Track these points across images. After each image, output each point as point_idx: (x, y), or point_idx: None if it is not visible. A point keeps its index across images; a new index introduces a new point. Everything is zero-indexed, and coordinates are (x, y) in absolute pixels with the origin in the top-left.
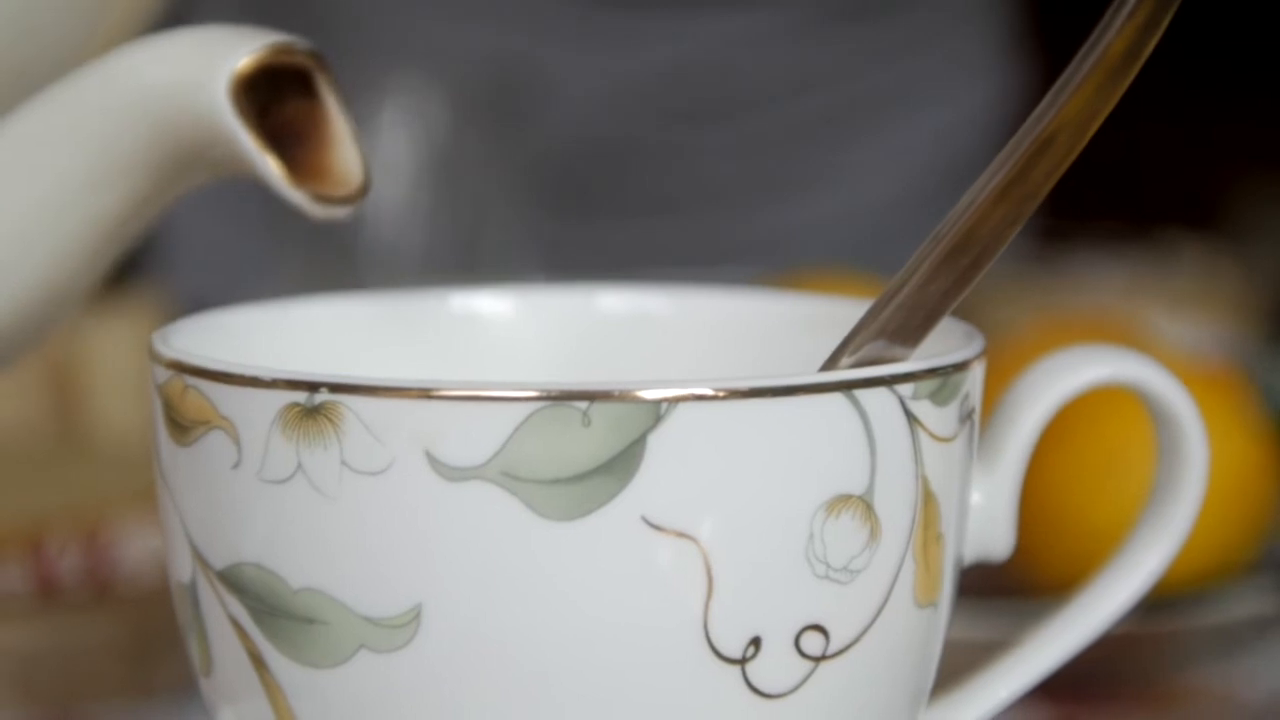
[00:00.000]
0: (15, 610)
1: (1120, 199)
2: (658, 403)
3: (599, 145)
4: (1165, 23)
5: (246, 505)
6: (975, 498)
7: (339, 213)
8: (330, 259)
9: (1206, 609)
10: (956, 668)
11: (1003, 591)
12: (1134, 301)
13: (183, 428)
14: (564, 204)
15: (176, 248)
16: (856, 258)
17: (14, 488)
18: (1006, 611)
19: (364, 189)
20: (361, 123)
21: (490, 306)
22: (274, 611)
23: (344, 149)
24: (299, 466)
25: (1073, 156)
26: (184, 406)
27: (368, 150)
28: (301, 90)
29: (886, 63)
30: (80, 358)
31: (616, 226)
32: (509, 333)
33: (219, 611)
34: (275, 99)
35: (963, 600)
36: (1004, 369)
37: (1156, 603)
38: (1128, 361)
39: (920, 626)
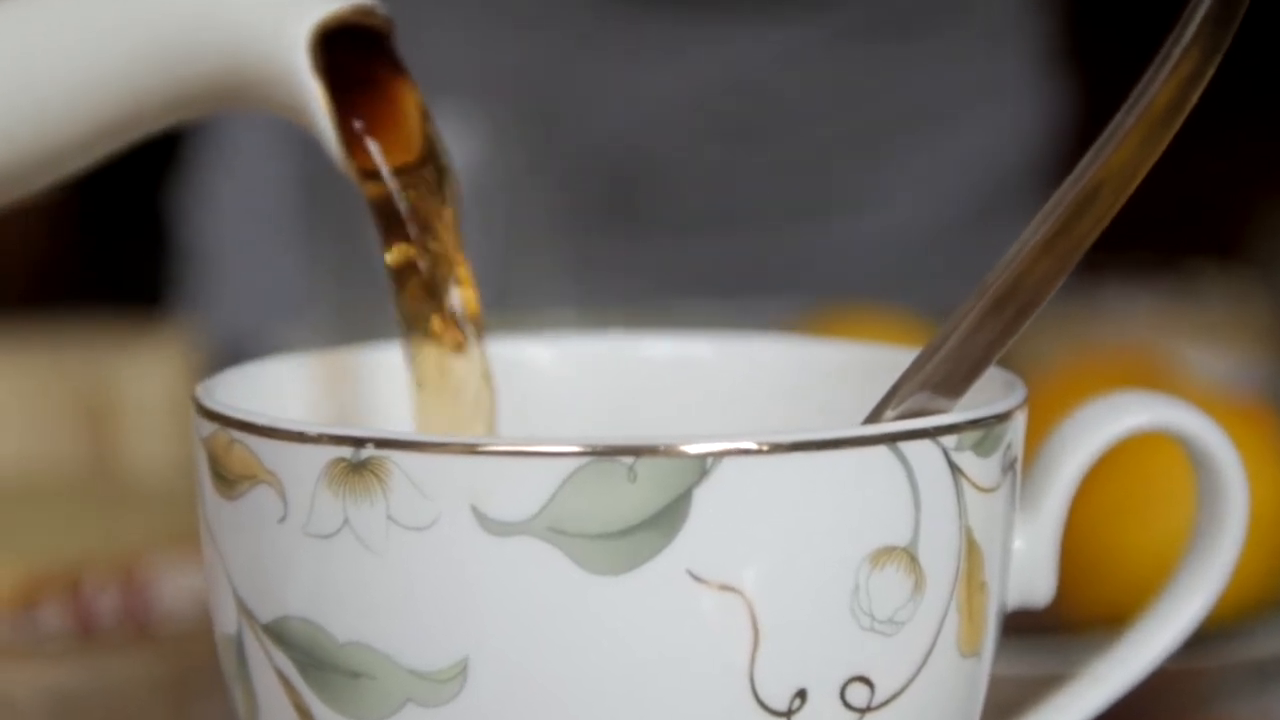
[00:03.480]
0: (54, 650)
1: (1147, 230)
2: (703, 457)
3: (634, 165)
4: (1210, 74)
5: (292, 559)
6: (1017, 544)
7: (387, 185)
8: (363, 289)
9: (1241, 644)
10: (992, 705)
11: (1038, 629)
12: (1162, 332)
13: (228, 481)
14: (600, 224)
15: (209, 282)
16: (895, 276)
17: (51, 527)
18: (1042, 649)
19: (425, 160)
20: None
21: (533, 354)
22: (320, 665)
23: (409, 116)
24: (345, 521)
25: (1117, 208)
26: (229, 460)
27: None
28: (366, 54)
29: (925, 82)
30: (114, 395)
31: (652, 247)
32: (552, 381)
33: (265, 664)
34: (339, 57)
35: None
36: (1039, 407)
37: (1191, 638)
38: (1167, 408)
39: (964, 676)
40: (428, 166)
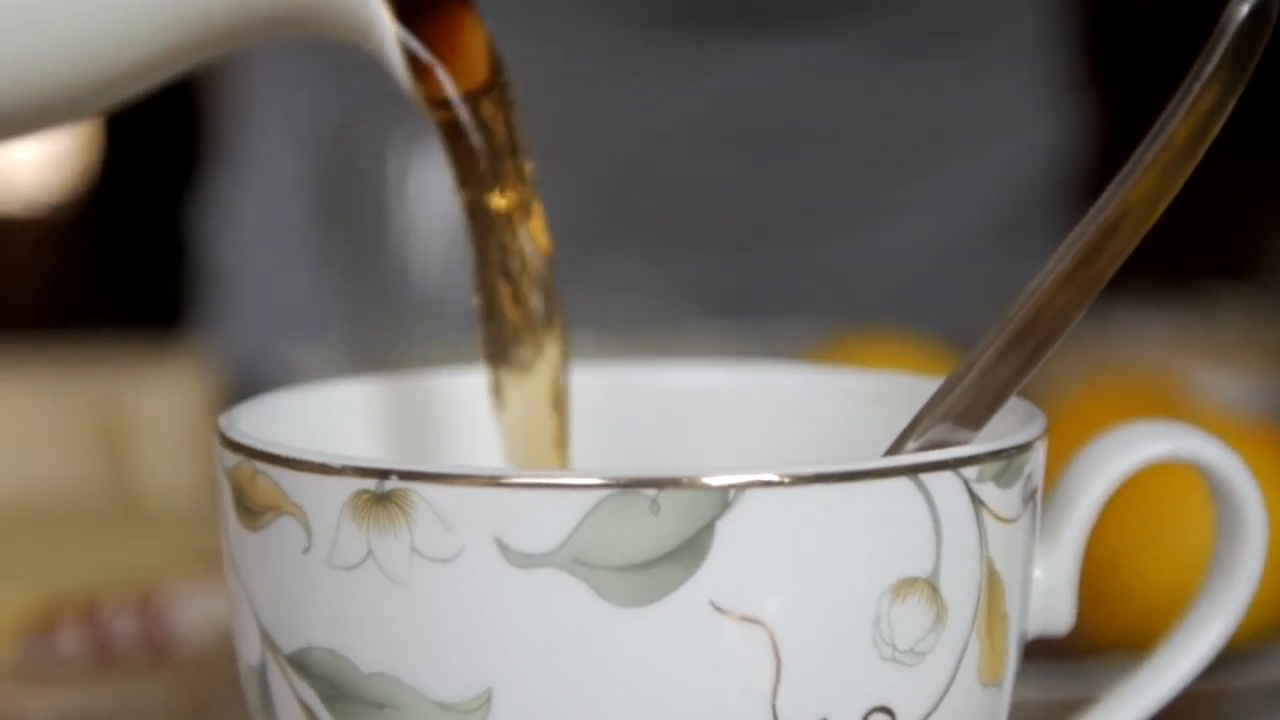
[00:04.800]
0: (71, 674)
1: (1161, 252)
2: (725, 489)
3: (652, 179)
4: (1230, 108)
5: (316, 590)
6: (1036, 573)
7: (456, 112)
8: (377, 309)
9: (1258, 666)
10: None
11: (1058, 653)
12: (1176, 354)
13: (252, 513)
14: (617, 241)
15: (226, 302)
16: (914, 295)
17: (67, 551)
18: (1061, 673)
19: (491, 87)
20: (403, 168)
21: None
22: (344, 696)
23: (474, 42)
24: (369, 553)
25: (1137, 240)
26: (253, 492)
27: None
28: None
29: (945, 100)
30: (131, 417)
31: (668, 264)
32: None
33: (289, 695)
34: None
35: None
36: (1055, 433)
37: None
38: (1185, 437)
39: (985, 705)
40: (494, 93)
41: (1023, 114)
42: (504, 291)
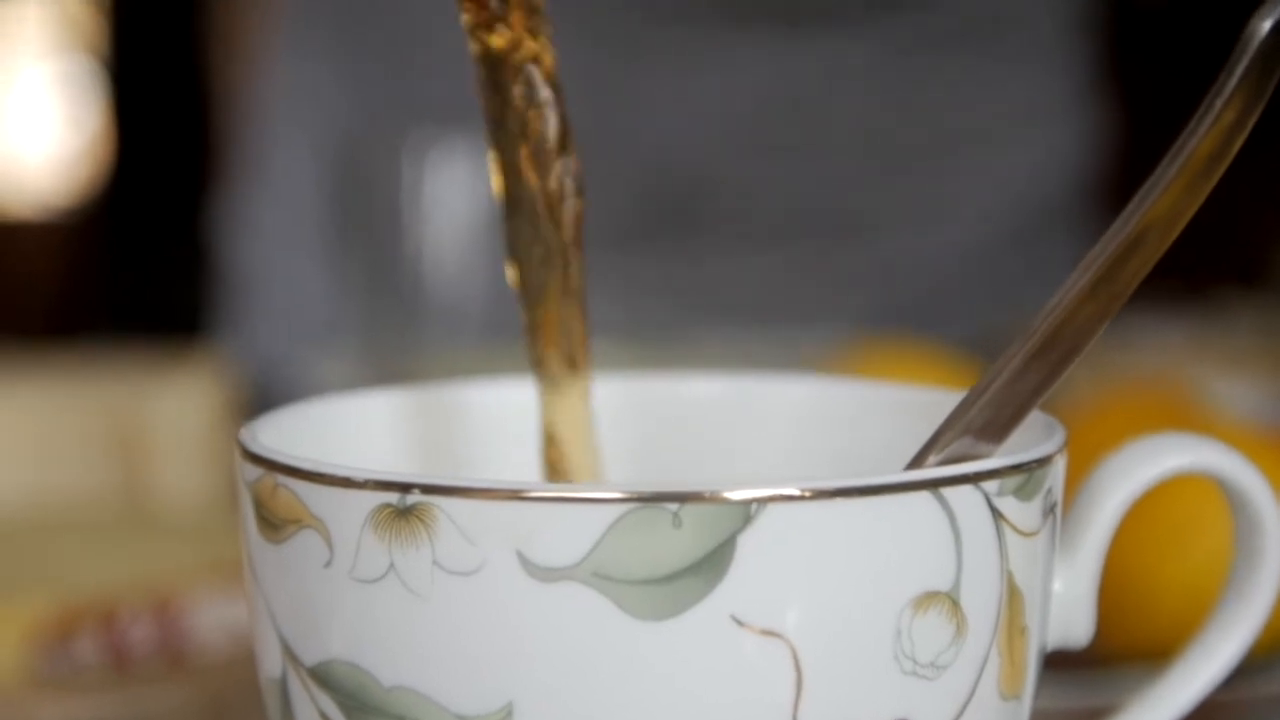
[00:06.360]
0: (89, 682)
1: (1176, 259)
2: (747, 503)
3: (674, 181)
4: (1252, 123)
5: (338, 604)
6: (1056, 586)
7: None
8: (392, 315)
9: (1277, 676)
10: None
11: (1076, 663)
12: (1191, 362)
13: (274, 526)
14: (637, 243)
15: (243, 309)
16: (936, 297)
17: (84, 559)
18: (1079, 683)
19: None
20: (420, 174)
21: None
22: (365, 709)
23: None
24: (391, 566)
25: (1160, 255)
26: (275, 505)
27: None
28: None
29: (967, 101)
30: (146, 424)
31: (688, 267)
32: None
33: (310, 708)
34: None
35: None
36: (1071, 444)
37: None
38: (1204, 450)
39: (1005, 718)
40: None
41: (1043, 117)
42: (525, 161)
